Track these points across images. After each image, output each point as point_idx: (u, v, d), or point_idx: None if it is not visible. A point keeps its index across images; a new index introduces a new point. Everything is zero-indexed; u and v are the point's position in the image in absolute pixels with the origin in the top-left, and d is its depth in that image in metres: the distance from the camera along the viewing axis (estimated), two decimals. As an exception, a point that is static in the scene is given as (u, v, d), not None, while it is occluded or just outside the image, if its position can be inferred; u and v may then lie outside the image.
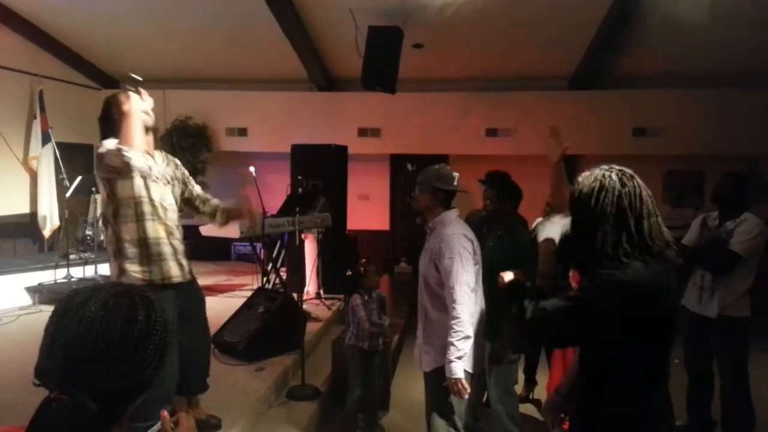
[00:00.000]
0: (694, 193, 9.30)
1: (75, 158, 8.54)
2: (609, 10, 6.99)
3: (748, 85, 8.28)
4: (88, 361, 1.07)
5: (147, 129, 3.05)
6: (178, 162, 3.43)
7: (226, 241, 9.07)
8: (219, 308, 5.94)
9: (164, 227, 3.05)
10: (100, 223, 6.11)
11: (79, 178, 6.85)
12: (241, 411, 3.62)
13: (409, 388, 4.95)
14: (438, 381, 2.86)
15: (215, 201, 3.58)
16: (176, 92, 9.53)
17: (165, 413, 1.26)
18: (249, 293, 5.45)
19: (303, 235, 5.97)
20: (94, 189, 6.84)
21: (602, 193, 1.75)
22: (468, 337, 2.76)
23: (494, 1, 6.58)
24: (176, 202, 3.24)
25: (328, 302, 6.50)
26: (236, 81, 9.56)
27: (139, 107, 2.97)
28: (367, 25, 6.85)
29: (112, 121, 3.00)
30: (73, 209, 7.60)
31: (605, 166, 1.86)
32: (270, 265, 6.40)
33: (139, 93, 3.02)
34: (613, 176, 1.78)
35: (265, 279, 6.06)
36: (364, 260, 4.37)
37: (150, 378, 1.16)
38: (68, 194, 6.89)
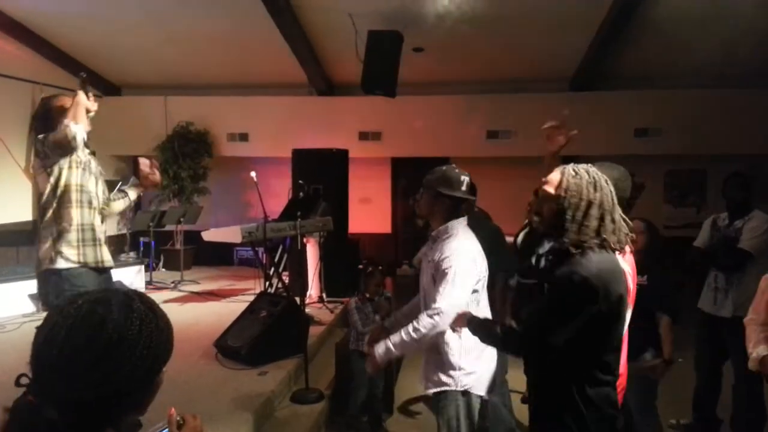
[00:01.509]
0: (696, 192, 9.30)
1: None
2: (608, 11, 6.99)
3: (749, 84, 8.27)
4: (53, 369, 1.06)
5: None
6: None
7: (229, 246, 9.08)
8: (222, 313, 5.95)
9: (101, 216, 3.34)
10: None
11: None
12: (245, 416, 3.62)
13: (412, 391, 4.94)
14: (444, 403, 2.64)
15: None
16: (177, 98, 9.57)
17: (172, 411, 1.26)
18: (251, 298, 5.45)
19: (305, 239, 5.97)
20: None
21: (580, 188, 1.88)
22: (422, 337, 2.49)
23: (493, 3, 6.59)
24: (102, 197, 3.43)
25: (330, 305, 6.50)
26: (237, 86, 9.58)
27: (84, 102, 3.15)
28: (367, 30, 6.88)
29: (51, 121, 3.18)
30: (41, 203, 7.61)
31: (583, 165, 1.97)
32: (272, 269, 6.40)
33: (87, 94, 3.20)
34: (590, 174, 1.92)
35: (267, 283, 6.06)
36: (365, 262, 4.38)
37: (138, 387, 1.12)
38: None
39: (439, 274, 2.55)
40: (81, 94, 3.15)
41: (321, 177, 7.03)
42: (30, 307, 6.37)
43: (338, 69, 9.09)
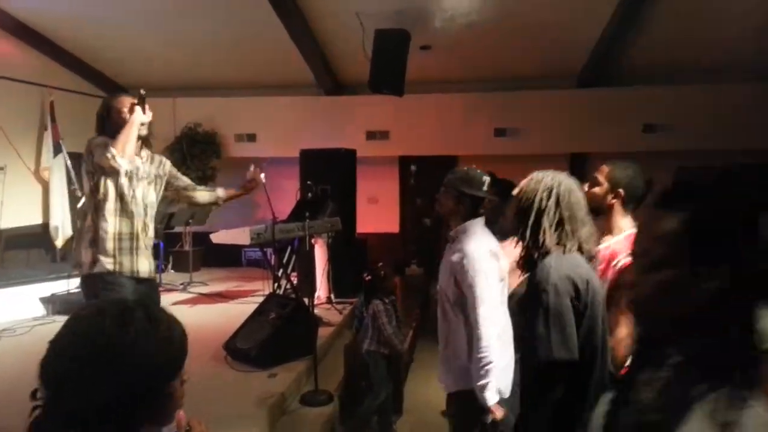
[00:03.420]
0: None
1: (86, 168, 8.58)
2: (617, 7, 6.94)
3: (758, 78, 8.19)
4: (55, 381, 1.08)
5: (139, 137, 3.25)
6: (164, 159, 3.59)
7: (237, 248, 9.08)
8: (231, 314, 5.95)
9: (142, 225, 3.30)
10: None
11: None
12: (255, 418, 3.61)
13: (421, 392, 4.93)
14: (460, 403, 2.64)
15: (207, 190, 3.78)
16: (185, 100, 9.59)
17: (182, 414, 1.25)
18: (260, 299, 5.45)
19: (313, 240, 5.97)
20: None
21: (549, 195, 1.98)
22: (491, 362, 2.49)
23: (500, 1, 6.56)
24: (157, 200, 3.46)
25: (339, 306, 6.49)
26: (244, 87, 9.60)
27: (140, 120, 3.19)
28: (374, 29, 6.85)
29: (110, 121, 3.24)
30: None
31: (554, 173, 2.06)
32: (281, 270, 6.40)
33: (143, 108, 3.22)
34: (553, 181, 2.02)
35: (275, 285, 6.06)
36: (381, 264, 4.37)
37: (145, 398, 1.12)
38: (80, 204, 6.93)
39: (466, 282, 2.51)
40: (137, 113, 3.17)
41: (329, 177, 7.03)
42: (41, 310, 6.40)
43: (345, 68, 9.08)
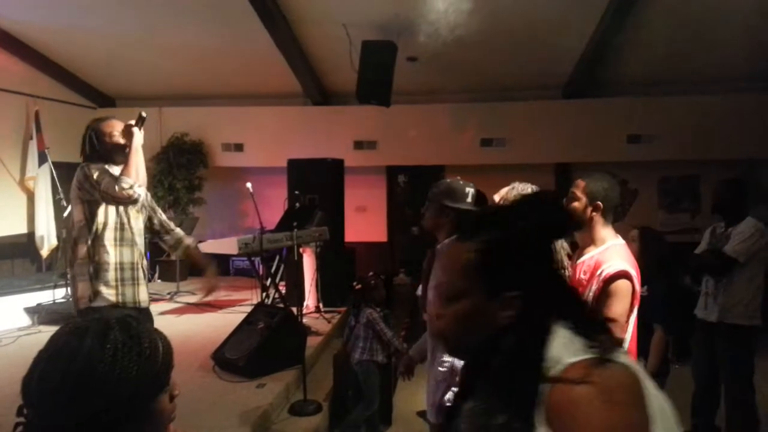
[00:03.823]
0: (689, 198, 9.35)
1: (72, 177, 8.52)
2: (601, 19, 7.06)
3: (741, 88, 8.35)
4: (35, 399, 1.10)
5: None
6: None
7: (225, 257, 9.06)
8: (218, 324, 5.94)
9: (138, 253, 3.16)
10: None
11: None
12: (244, 429, 3.61)
13: (410, 402, 4.94)
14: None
15: (179, 232, 3.54)
16: (172, 109, 9.58)
17: (171, 428, 1.27)
18: (248, 308, 5.44)
19: (301, 250, 5.98)
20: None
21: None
22: None
23: (486, 11, 6.64)
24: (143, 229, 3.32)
25: (327, 315, 6.50)
26: (231, 97, 9.60)
27: (140, 142, 3.10)
28: (361, 40, 6.91)
29: (100, 145, 3.11)
30: (70, 229, 7.60)
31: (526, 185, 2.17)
32: (269, 280, 6.40)
33: (140, 128, 3.12)
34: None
35: (264, 294, 6.06)
36: (372, 273, 4.40)
37: (128, 415, 1.12)
38: (65, 214, 6.89)
39: None
40: (138, 136, 3.07)
41: (316, 186, 7.05)
42: (26, 320, 6.34)
43: (333, 79, 9.12)
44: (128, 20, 7.43)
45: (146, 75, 9.11)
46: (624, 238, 2.51)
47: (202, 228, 9.32)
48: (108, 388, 1.09)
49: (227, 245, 5.15)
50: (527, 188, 2.11)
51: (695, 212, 9.29)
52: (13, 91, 7.96)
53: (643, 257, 3.30)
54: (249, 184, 5.45)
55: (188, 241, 3.54)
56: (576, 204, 2.43)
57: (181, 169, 9.19)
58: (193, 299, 7.73)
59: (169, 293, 8.04)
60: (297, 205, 6.60)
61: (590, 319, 1.06)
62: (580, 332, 1.00)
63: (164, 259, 9.41)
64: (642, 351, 3.16)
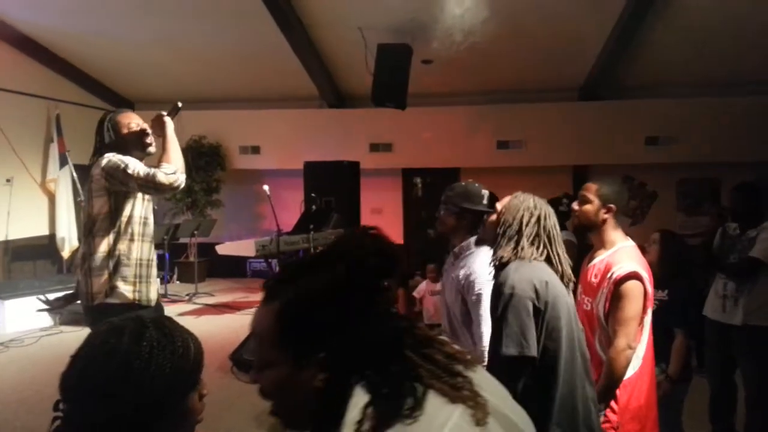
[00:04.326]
0: (709, 200, 9.23)
1: (92, 180, 8.67)
2: (618, 20, 7.01)
3: (762, 90, 8.24)
4: (74, 396, 1.13)
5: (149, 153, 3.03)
6: None
7: (242, 259, 9.14)
8: (236, 325, 6.00)
9: (153, 249, 3.04)
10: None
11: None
12: (261, 430, 3.64)
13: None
14: None
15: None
16: (190, 113, 9.62)
17: None
18: (265, 310, 5.48)
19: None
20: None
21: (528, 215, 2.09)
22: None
23: (502, 13, 6.63)
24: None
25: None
26: (248, 100, 9.69)
27: (173, 130, 2.99)
28: (377, 43, 6.94)
29: (120, 137, 2.94)
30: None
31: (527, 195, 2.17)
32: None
33: (173, 118, 3.02)
34: (533, 202, 2.12)
35: (280, 296, 6.09)
36: None
37: (161, 413, 1.15)
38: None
39: (471, 299, 2.49)
40: (170, 124, 2.96)
41: (333, 189, 7.10)
42: (48, 321, 6.45)
43: (349, 82, 9.17)
44: (148, 26, 7.53)
45: (165, 79, 9.22)
46: (645, 241, 2.52)
47: (220, 230, 9.41)
48: (144, 384, 1.13)
49: (244, 247, 5.21)
50: (530, 198, 2.13)
51: (715, 216, 9.17)
52: (34, 95, 8.11)
53: (663, 260, 3.27)
54: (266, 187, 5.50)
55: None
56: (588, 207, 2.45)
57: (199, 172, 9.29)
58: (211, 300, 7.82)
59: (187, 294, 8.13)
60: (313, 207, 6.64)
61: (397, 373, 0.92)
62: (378, 394, 0.90)
63: (183, 261, 9.52)
64: (663, 356, 3.13)
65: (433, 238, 9.68)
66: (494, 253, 2.12)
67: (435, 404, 0.89)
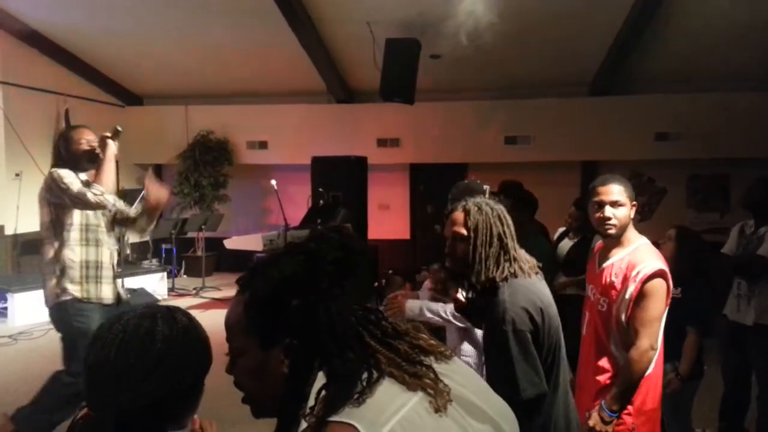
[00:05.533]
0: (719, 196, 9.16)
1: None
2: (628, 14, 6.95)
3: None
4: (107, 381, 1.13)
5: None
6: None
7: (249, 253, 9.14)
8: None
9: (107, 252, 3.33)
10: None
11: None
12: (267, 422, 3.64)
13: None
14: None
15: (133, 209, 3.54)
16: (198, 108, 9.70)
17: (196, 419, 1.31)
18: (272, 305, 5.49)
19: (325, 247, 6.02)
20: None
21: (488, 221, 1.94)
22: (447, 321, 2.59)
23: (511, 8, 6.59)
24: (109, 225, 3.44)
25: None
26: (256, 95, 9.69)
27: (114, 153, 3.28)
28: (385, 38, 6.91)
29: (68, 152, 3.28)
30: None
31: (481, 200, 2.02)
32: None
33: (115, 141, 3.28)
34: (491, 208, 1.96)
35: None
36: (390, 271, 4.38)
37: (184, 397, 1.19)
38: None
39: None
40: (112, 147, 3.24)
41: (340, 184, 7.09)
42: (56, 314, 6.47)
43: (357, 77, 9.14)
44: (156, 21, 7.54)
45: (173, 74, 9.24)
46: (656, 237, 2.48)
47: (227, 224, 9.43)
48: (181, 367, 1.17)
49: (252, 242, 5.22)
50: (483, 205, 1.96)
51: (724, 211, 9.10)
52: (43, 90, 8.14)
53: (679, 257, 3.21)
54: (273, 182, 5.50)
55: (138, 207, 3.54)
56: (624, 210, 2.39)
57: (206, 167, 9.31)
58: (218, 295, 7.83)
59: (194, 288, 8.16)
60: (321, 202, 6.64)
61: (353, 359, 0.97)
62: (332, 378, 0.95)
63: (190, 255, 9.55)
64: (674, 354, 3.09)
65: (439, 234, 9.69)
66: (476, 279, 1.92)
67: (390, 391, 0.94)
